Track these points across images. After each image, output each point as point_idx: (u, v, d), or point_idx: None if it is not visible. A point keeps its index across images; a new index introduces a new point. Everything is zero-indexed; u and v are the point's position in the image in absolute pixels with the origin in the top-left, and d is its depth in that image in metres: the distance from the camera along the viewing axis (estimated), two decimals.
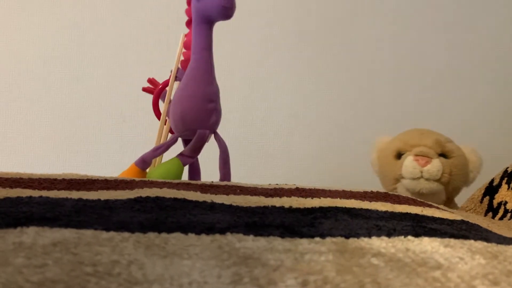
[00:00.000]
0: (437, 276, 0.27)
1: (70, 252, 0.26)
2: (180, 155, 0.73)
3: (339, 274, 0.27)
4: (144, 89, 0.82)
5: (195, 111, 0.71)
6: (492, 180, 0.78)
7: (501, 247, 0.34)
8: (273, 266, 0.27)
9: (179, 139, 0.77)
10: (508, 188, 0.73)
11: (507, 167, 0.77)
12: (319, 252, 0.30)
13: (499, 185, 0.75)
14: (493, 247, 0.34)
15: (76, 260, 0.25)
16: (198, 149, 0.73)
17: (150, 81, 0.82)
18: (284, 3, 1.30)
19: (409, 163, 0.79)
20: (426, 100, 1.30)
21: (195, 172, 0.80)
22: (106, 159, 1.24)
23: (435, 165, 0.78)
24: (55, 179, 0.49)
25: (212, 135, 0.75)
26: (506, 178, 0.75)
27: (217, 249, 0.29)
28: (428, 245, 0.33)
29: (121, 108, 1.25)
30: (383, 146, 0.87)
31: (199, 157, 0.79)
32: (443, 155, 0.81)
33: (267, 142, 1.28)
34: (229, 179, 0.76)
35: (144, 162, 0.72)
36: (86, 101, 1.26)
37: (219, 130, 0.77)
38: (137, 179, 0.54)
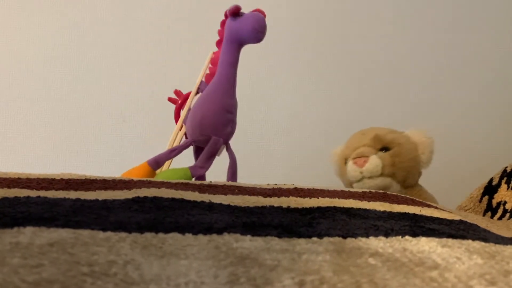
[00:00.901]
0: (434, 276, 0.27)
1: (66, 252, 0.26)
2: (194, 167, 0.75)
3: (336, 274, 0.27)
4: (170, 99, 0.87)
5: (214, 118, 0.75)
6: (491, 180, 0.78)
7: (499, 247, 0.34)
8: (270, 266, 0.27)
9: (191, 147, 0.79)
10: (507, 188, 0.73)
11: (506, 167, 0.77)
12: (316, 252, 0.30)
13: (499, 184, 0.75)
14: (491, 247, 0.34)
15: (73, 260, 0.25)
16: (210, 157, 0.75)
17: (176, 93, 0.87)
18: (284, 3, 1.30)
19: (350, 168, 0.82)
20: (425, 100, 1.30)
21: (200, 180, 0.81)
22: (106, 159, 1.24)
23: (372, 163, 0.79)
24: (53, 179, 0.49)
25: (225, 147, 0.78)
26: (505, 178, 0.75)
27: (214, 249, 0.29)
28: (426, 245, 0.33)
29: (121, 108, 1.25)
30: (336, 157, 0.90)
31: None
32: (385, 148, 0.82)
33: (267, 142, 1.28)
34: None
35: (157, 163, 0.73)
36: (86, 101, 1.26)
37: None
38: (135, 178, 0.54)
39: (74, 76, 1.26)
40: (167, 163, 0.80)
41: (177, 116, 0.85)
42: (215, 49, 0.83)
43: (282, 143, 1.28)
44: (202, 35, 1.17)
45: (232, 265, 0.27)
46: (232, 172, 0.78)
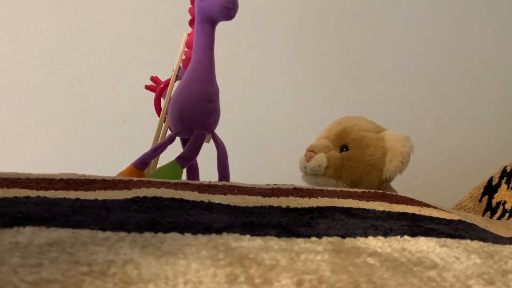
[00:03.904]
0: (433, 275, 0.27)
1: (66, 252, 0.26)
2: (179, 157, 0.72)
3: (335, 274, 0.27)
4: (147, 87, 0.82)
5: (193, 111, 0.71)
6: (491, 179, 0.78)
7: (497, 247, 0.34)
8: (268, 265, 0.27)
9: (177, 138, 0.77)
10: (507, 188, 0.73)
11: (506, 166, 0.77)
12: (315, 251, 0.30)
13: (499, 184, 0.75)
14: (489, 246, 0.34)
15: (72, 260, 0.25)
16: (196, 149, 0.72)
17: (153, 79, 0.82)
18: (285, 2, 1.30)
19: (300, 158, 0.82)
20: (426, 100, 1.30)
21: (193, 171, 0.80)
22: (106, 159, 1.24)
23: (316, 160, 0.79)
24: (53, 179, 0.49)
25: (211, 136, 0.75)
26: (505, 178, 0.75)
27: (213, 249, 0.29)
28: (424, 245, 0.33)
29: (121, 108, 1.25)
30: None
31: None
32: (345, 146, 0.80)
33: (267, 142, 1.28)
34: (227, 181, 0.75)
35: (143, 163, 0.71)
36: (86, 101, 1.26)
37: (218, 130, 0.77)
38: (135, 178, 0.54)
39: (74, 76, 1.26)
40: (153, 160, 0.77)
41: (157, 106, 0.81)
42: (189, 29, 0.78)
43: (282, 143, 1.28)
44: None
45: (231, 265, 0.27)
46: (222, 162, 0.74)
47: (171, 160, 0.72)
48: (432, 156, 1.25)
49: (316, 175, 0.79)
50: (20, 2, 1.26)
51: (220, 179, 0.75)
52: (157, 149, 0.72)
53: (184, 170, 0.77)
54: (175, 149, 0.77)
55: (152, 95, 0.83)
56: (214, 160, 0.76)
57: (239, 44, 1.27)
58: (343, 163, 0.79)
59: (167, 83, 0.80)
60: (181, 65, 0.79)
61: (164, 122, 0.79)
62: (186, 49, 0.78)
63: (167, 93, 0.78)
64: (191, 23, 0.76)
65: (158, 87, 0.81)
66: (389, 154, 0.79)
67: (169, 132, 0.79)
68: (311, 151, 0.80)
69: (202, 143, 0.73)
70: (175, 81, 0.78)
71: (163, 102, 0.81)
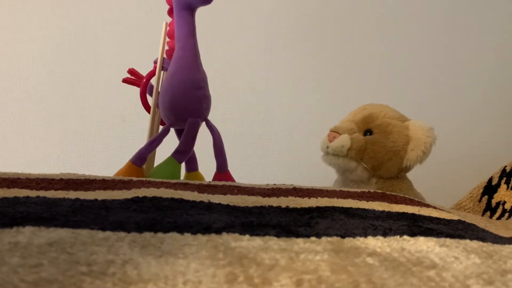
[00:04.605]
0: (432, 275, 0.27)
1: (65, 252, 0.26)
2: (175, 152, 0.71)
3: (334, 274, 0.27)
4: (125, 81, 0.80)
5: (184, 100, 0.70)
6: (491, 179, 0.78)
7: (497, 247, 0.34)
8: (268, 265, 0.27)
9: (172, 130, 0.76)
10: (507, 188, 0.73)
11: (505, 166, 0.77)
12: (314, 251, 0.30)
13: (498, 184, 0.76)
14: (488, 246, 0.34)
15: (72, 260, 0.25)
16: (191, 140, 0.72)
17: (131, 71, 0.80)
18: (285, 2, 1.30)
19: (322, 139, 0.82)
20: (426, 99, 1.30)
21: (192, 160, 0.79)
22: (106, 159, 1.24)
23: (339, 141, 0.79)
24: (53, 179, 0.49)
25: (204, 123, 0.74)
26: (505, 178, 0.75)
27: (212, 249, 0.29)
28: (424, 245, 0.33)
29: (121, 108, 1.25)
30: None
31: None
32: (369, 131, 0.81)
33: (267, 142, 1.28)
34: (226, 168, 0.75)
35: (141, 159, 0.71)
36: (86, 101, 1.26)
37: (218, 127, 0.76)
38: (135, 178, 0.54)
39: (74, 76, 1.26)
40: (151, 154, 0.76)
41: (144, 101, 0.79)
42: (168, 19, 0.77)
43: (282, 143, 1.28)
44: (205, 34, 1.17)
45: (230, 265, 0.27)
46: (219, 149, 0.74)
47: (168, 155, 0.72)
48: (432, 156, 1.25)
49: (337, 155, 0.80)
50: (20, 2, 1.26)
51: (219, 167, 0.74)
52: (153, 143, 0.72)
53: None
54: (172, 141, 0.76)
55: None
56: (210, 150, 0.75)
57: (239, 44, 1.27)
58: (366, 147, 0.79)
59: (150, 76, 0.78)
60: (165, 55, 0.78)
61: (155, 116, 0.78)
62: (168, 40, 0.77)
63: (154, 86, 0.77)
64: (170, 12, 0.75)
65: (141, 81, 0.79)
66: (412, 143, 0.80)
67: (162, 126, 0.78)
68: (335, 132, 0.80)
69: (197, 132, 0.72)
70: (161, 72, 0.77)
71: (148, 97, 0.80)
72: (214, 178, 0.74)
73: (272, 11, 1.29)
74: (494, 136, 1.28)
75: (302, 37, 1.30)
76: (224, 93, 1.25)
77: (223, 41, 1.26)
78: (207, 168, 0.80)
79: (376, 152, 0.79)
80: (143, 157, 0.71)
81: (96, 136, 1.25)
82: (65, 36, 1.26)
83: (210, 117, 0.75)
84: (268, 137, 1.28)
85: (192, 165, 0.79)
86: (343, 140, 0.79)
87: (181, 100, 0.70)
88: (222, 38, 1.28)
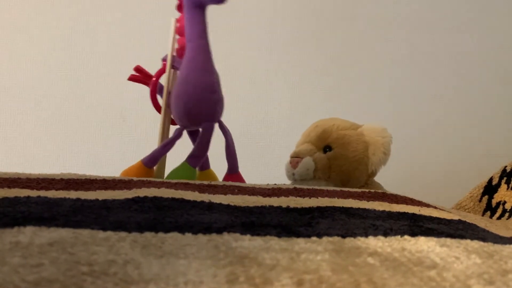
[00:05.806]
0: (433, 275, 0.27)
1: (66, 252, 0.26)
2: (190, 157, 0.70)
3: (335, 273, 0.27)
4: (131, 78, 0.78)
5: (199, 105, 0.68)
6: (491, 179, 0.78)
7: (497, 247, 0.34)
8: (269, 265, 0.27)
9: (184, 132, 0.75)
10: (507, 188, 0.73)
11: (506, 166, 0.77)
12: (315, 251, 0.30)
13: (499, 184, 0.76)
14: (489, 246, 0.34)
15: (72, 260, 0.25)
16: (206, 144, 0.70)
17: (138, 69, 0.78)
18: (285, 2, 1.30)
19: (286, 167, 0.81)
20: (426, 100, 1.30)
21: (204, 161, 0.78)
22: (106, 159, 1.24)
23: (303, 165, 0.78)
24: (53, 179, 0.49)
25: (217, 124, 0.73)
26: (505, 178, 0.75)
27: (213, 249, 0.29)
28: (424, 245, 0.33)
29: (121, 108, 1.26)
30: None
31: None
32: (328, 147, 0.81)
33: (267, 142, 1.28)
34: (237, 169, 0.74)
35: (152, 160, 0.70)
36: (86, 101, 1.26)
37: (217, 130, 0.76)
38: (135, 178, 0.54)
39: (74, 76, 1.26)
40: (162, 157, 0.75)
41: (154, 101, 0.77)
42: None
43: (282, 143, 1.28)
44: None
45: (231, 265, 0.27)
46: (231, 151, 0.73)
47: (177, 156, 0.72)
48: (432, 156, 1.25)
49: (305, 179, 0.79)
50: (20, 2, 1.26)
51: (230, 168, 0.73)
52: (166, 146, 0.71)
53: None
54: (181, 141, 0.75)
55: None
56: (218, 149, 0.75)
57: (239, 44, 1.27)
58: (330, 163, 0.79)
59: (159, 74, 0.76)
60: (175, 53, 0.75)
61: (166, 118, 0.76)
62: (178, 37, 0.75)
63: (165, 85, 0.75)
64: (179, 8, 0.73)
65: (148, 79, 0.77)
66: (371, 147, 0.80)
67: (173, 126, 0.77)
68: (296, 157, 0.80)
69: (211, 136, 0.71)
70: (171, 71, 0.75)
71: (159, 97, 0.78)
72: (225, 179, 0.73)
73: (273, 12, 1.29)
74: (494, 136, 1.28)
75: (302, 37, 1.30)
76: (224, 93, 1.25)
77: (223, 41, 1.26)
78: (215, 169, 0.79)
79: (341, 166, 0.79)
80: (155, 159, 0.70)
81: (96, 136, 1.25)
82: (65, 36, 1.26)
83: None
84: (268, 137, 1.28)
85: (204, 164, 0.78)
86: (307, 163, 0.78)
87: (195, 105, 0.68)
88: (222, 38, 1.28)
